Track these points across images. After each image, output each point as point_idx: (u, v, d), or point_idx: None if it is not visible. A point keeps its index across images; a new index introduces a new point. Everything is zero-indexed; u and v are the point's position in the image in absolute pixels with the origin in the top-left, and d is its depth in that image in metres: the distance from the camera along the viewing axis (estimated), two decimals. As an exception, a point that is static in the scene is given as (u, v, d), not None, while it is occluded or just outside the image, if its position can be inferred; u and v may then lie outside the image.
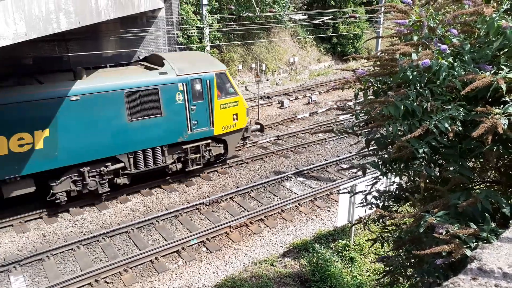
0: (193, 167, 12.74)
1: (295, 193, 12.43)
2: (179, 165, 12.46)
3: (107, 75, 11.12)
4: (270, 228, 10.72)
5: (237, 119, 13.10)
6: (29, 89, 9.78)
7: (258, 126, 14.85)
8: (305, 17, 23.24)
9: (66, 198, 10.83)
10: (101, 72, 11.57)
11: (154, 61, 12.47)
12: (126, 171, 11.45)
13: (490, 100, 3.06)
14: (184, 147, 12.23)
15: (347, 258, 9.28)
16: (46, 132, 9.86)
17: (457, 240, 2.72)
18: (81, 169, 10.66)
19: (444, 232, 2.77)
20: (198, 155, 12.61)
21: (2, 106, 9.18)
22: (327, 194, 12.31)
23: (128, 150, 11.20)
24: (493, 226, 2.78)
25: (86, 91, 10.25)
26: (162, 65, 11.89)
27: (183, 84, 11.68)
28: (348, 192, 8.50)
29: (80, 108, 10.19)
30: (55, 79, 10.77)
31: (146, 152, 11.57)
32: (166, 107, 11.49)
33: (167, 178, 12.81)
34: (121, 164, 11.26)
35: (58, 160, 10.19)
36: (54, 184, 10.44)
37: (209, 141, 12.74)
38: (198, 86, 12.00)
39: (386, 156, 3.79)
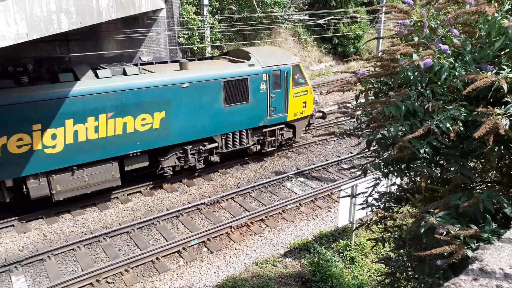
0: (269, 149, 14.32)
1: (296, 193, 12.43)
2: (258, 147, 14.06)
3: (206, 67, 12.65)
4: (271, 229, 10.71)
5: (305, 106, 14.56)
6: (149, 77, 11.15)
7: (321, 114, 15.96)
8: (306, 17, 23.19)
9: (171, 172, 12.36)
10: (197, 64, 13.21)
11: (237, 55, 14.04)
12: (218, 150, 13.04)
13: (491, 100, 3.05)
14: (263, 130, 13.82)
15: (348, 258, 9.27)
16: (162, 114, 11.37)
17: (458, 240, 2.71)
18: (185, 147, 12.20)
19: (445, 233, 2.76)
20: (274, 138, 14.20)
21: (129, 91, 10.67)
22: (328, 194, 12.31)
23: (222, 132, 12.85)
24: (494, 226, 2.77)
25: (194, 79, 11.81)
26: (247, 58, 13.40)
27: (266, 75, 13.26)
28: (349, 196, 8.51)
29: (189, 94, 11.72)
30: (165, 69, 12.14)
31: (235, 134, 13.18)
32: (253, 95, 13.08)
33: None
34: (216, 144, 12.88)
35: (170, 138, 11.73)
36: (163, 159, 11.95)
37: (283, 126, 14.31)
38: (278, 77, 13.57)
39: (387, 157, 3.78)
